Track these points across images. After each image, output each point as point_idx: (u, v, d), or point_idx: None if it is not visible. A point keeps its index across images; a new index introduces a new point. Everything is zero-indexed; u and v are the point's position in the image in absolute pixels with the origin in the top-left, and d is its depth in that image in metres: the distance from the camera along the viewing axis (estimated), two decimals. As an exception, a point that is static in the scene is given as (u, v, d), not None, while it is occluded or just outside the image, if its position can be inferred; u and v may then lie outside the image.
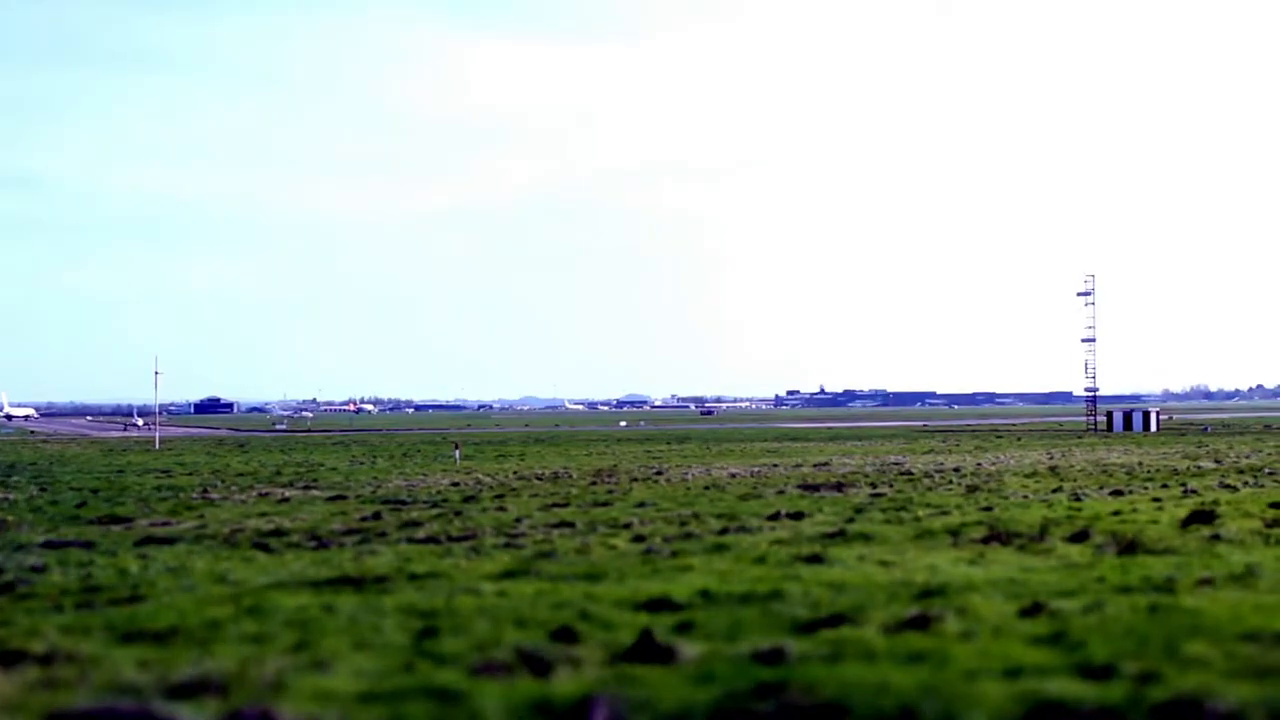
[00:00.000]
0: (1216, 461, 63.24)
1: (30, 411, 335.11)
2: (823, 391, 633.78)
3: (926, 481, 49.33)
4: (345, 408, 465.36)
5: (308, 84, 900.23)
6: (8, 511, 39.09)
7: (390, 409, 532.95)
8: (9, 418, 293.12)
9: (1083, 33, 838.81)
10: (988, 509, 35.44)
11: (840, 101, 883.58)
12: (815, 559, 24.32)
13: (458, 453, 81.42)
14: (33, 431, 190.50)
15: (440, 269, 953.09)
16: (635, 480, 52.93)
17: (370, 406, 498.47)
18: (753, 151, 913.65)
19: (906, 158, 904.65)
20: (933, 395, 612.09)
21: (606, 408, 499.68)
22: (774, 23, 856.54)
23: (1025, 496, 40.53)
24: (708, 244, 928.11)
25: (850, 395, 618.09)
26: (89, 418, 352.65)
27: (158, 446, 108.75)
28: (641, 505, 38.65)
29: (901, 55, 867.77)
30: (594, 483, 51.43)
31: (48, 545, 28.85)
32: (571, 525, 32.03)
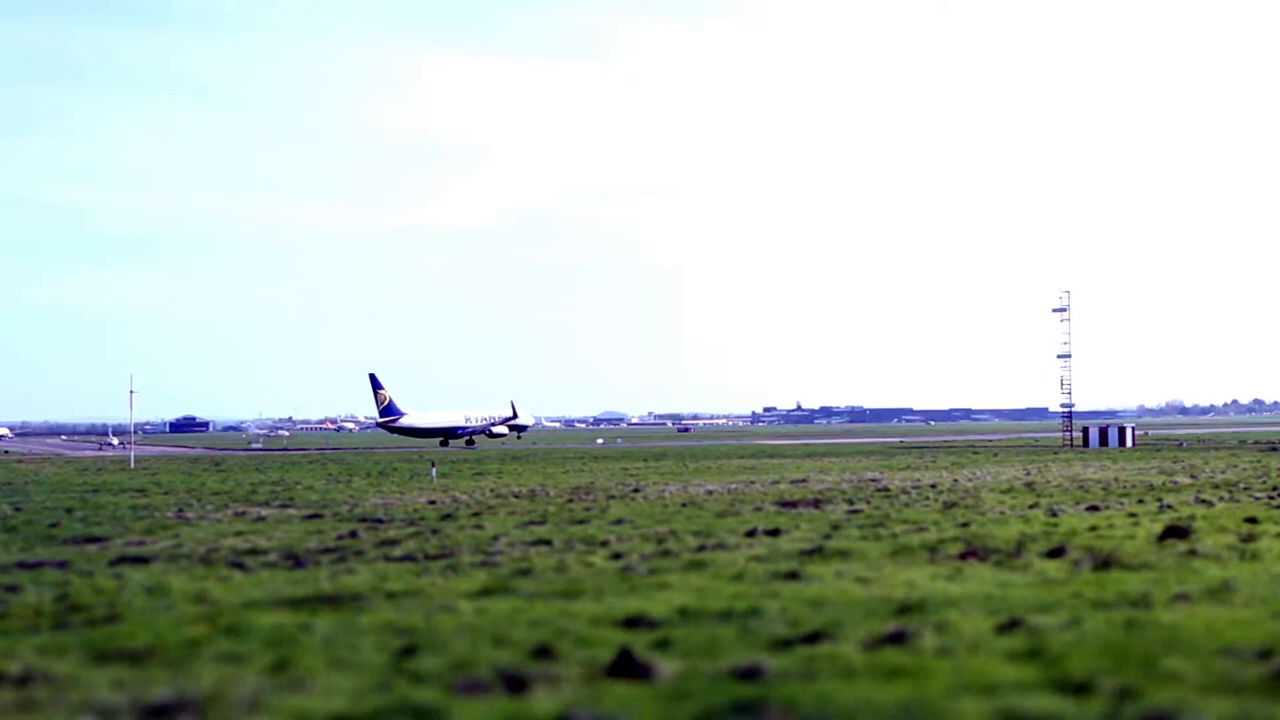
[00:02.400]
0: (1192, 477, 63.42)
1: (4, 431, 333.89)
2: (799, 408, 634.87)
3: (904, 498, 49.38)
4: (322, 426, 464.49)
5: (281, 103, 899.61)
6: (-18, 531, 38.89)
7: (367, 428, 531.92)
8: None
9: (1056, 51, 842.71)
10: (965, 525, 35.49)
11: (817, 118, 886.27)
12: (793, 576, 24.33)
13: (434, 471, 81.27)
14: (6, 451, 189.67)
15: (415, 287, 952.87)
16: (612, 498, 52.88)
17: (351, 425, 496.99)
18: (730, 169, 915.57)
19: (882, 174, 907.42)
20: (909, 412, 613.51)
21: (583, 425, 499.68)
22: (744, 35, 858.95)
23: (1002, 512, 40.60)
24: (684, 261, 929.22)
25: (827, 412, 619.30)
26: (64, 437, 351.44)
27: (133, 465, 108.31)
28: (619, 523, 38.61)
29: (875, 75, 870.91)
30: (571, 500, 51.37)
31: (22, 565, 28.71)
32: (549, 543, 31.99)
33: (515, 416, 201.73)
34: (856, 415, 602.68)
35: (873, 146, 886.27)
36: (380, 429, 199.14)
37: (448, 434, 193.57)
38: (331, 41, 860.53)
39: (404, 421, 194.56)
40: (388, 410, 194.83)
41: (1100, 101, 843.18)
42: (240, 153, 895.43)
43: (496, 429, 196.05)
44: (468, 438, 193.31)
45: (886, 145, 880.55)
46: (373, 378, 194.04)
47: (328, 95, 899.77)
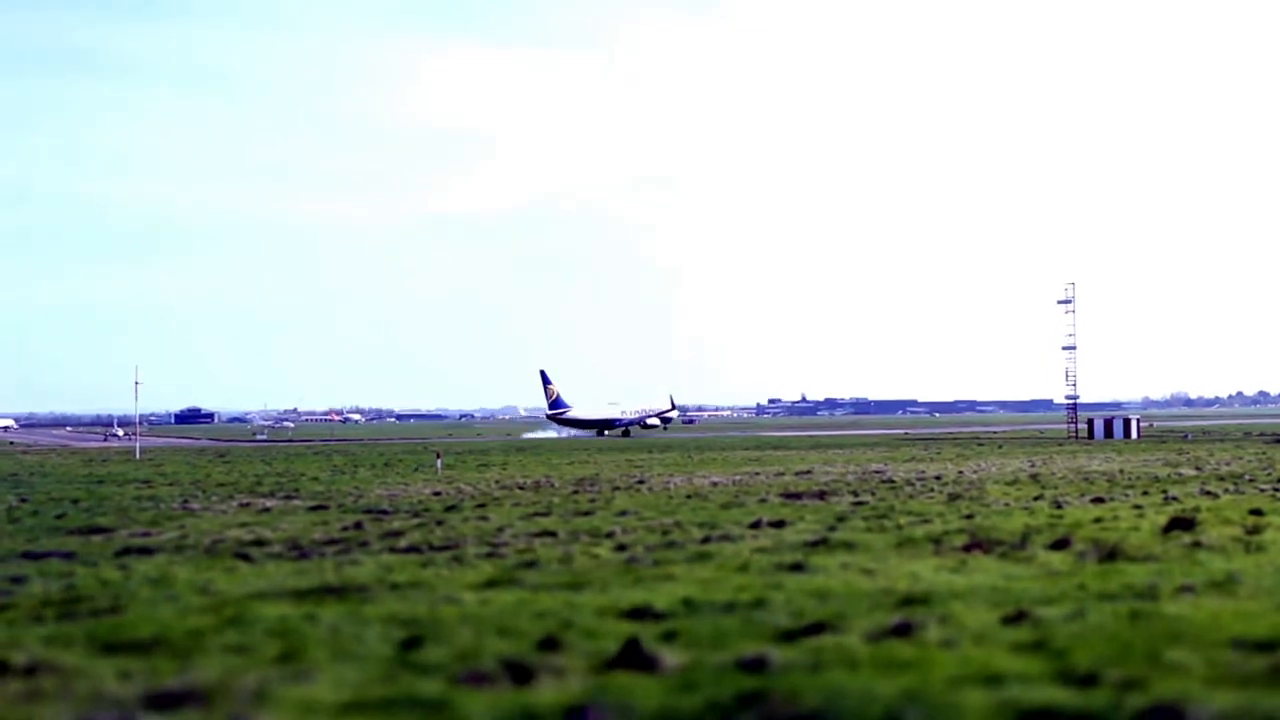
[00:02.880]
0: (1197, 469, 63.37)
1: (10, 422, 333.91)
2: (804, 400, 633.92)
3: (908, 489, 49.38)
4: (327, 418, 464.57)
5: (288, 95, 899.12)
6: (-12, 522, 38.94)
7: (372, 419, 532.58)
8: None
9: (1061, 42, 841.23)
10: (969, 517, 35.48)
11: (821, 111, 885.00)
12: (798, 567, 24.33)
13: (439, 462, 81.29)
14: (12, 442, 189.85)
15: (422, 279, 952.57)
16: (617, 489, 52.91)
17: (357, 416, 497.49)
18: (736, 160, 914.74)
19: (887, 166, 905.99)
20: (914, 403, 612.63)
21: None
22: (749, 27, 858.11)
23: (1007, 504, 40.58)
24: (690, 253, 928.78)
25: (832, 403, 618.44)
26: (69, 428, 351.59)
27: (138, 457, 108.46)
28: (624, 514, 38.62)
29: (879, 67, 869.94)
30: (576, 492, 51.39)
31: (28, 556, 28.77)
32: (554, 534, 32.00)
33: (669, 410, 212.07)
34: (861, 407, 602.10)
35: (878, 139, 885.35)
36: (549, 420, 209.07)
37: (606, 425, 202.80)
38: (339, 33, 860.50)
39: (570, 414, 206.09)
40: (556, 404, 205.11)
41: (1106, 94, 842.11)
42: (248, 144, 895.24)
43: (650, 421, 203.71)
44: (624, 429, 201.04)
45: (892, 137, 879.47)
46: (543, 374, 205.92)
47: (335, 87, 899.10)
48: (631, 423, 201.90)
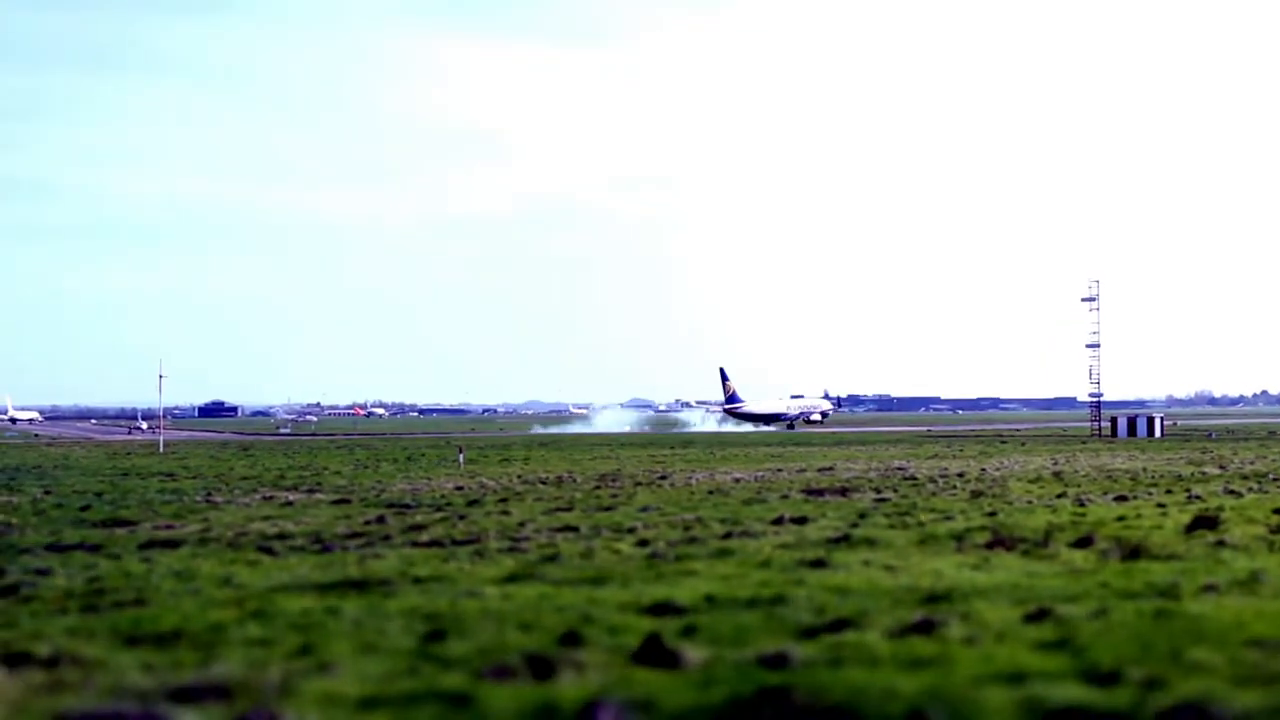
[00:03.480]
0: (1221, 467, 63.16)
1: (35, 415, 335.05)
2: (826, 396, 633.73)
3: (931, 486, 49.31)
4: (350, 412, 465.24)
5: (304, 90, 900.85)
6: (12, 514, 39.13)
7: (395, 413, 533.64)
8: (13, 421, 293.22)
9: (1086, 33, 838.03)
10: (992, 514, 35.42)
11: (843, 105, 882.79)
12: (819, 564, 24.31)
13: (462, 456, 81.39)
14: (37, 435, 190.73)
15: (445, 273, 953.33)
16: (639, 484, 52.92)
17: (381, 410, 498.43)
18: (754, 156, 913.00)
19: (911, 161, 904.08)
20: (937, 400, 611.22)
21: (609, 411, 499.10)
22: (765, 19, 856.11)
23: (1029, 502, 40.50)
24: (710, 250, 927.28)
25: (854, 400, 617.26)
26: (93, 421, 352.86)
27: (162, 450, 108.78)
28: (645, 509, 38.63)
29: (903, 56, 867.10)
30: (598, 487, 51.42)
31: (52, 548, 28.87)
32: (575, 529, 32.03)
33: (828, 406, 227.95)
34: (884, 404, 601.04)
35: (902, 134, 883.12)
36: (725, 414, 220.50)
37: (774, 419, 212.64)
38: (352, 28, 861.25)
39: (743, 409, 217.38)
40: (731, 399, 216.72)
41: (1133, 90, 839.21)
42: (266, 140, 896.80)
43: (814, 416, 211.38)
44: (789, 423, 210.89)
45: (915, 133, 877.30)
46: (722, 371, 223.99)
47: (356, 85, 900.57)
48: (796, 417, 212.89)
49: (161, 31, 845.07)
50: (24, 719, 12.38)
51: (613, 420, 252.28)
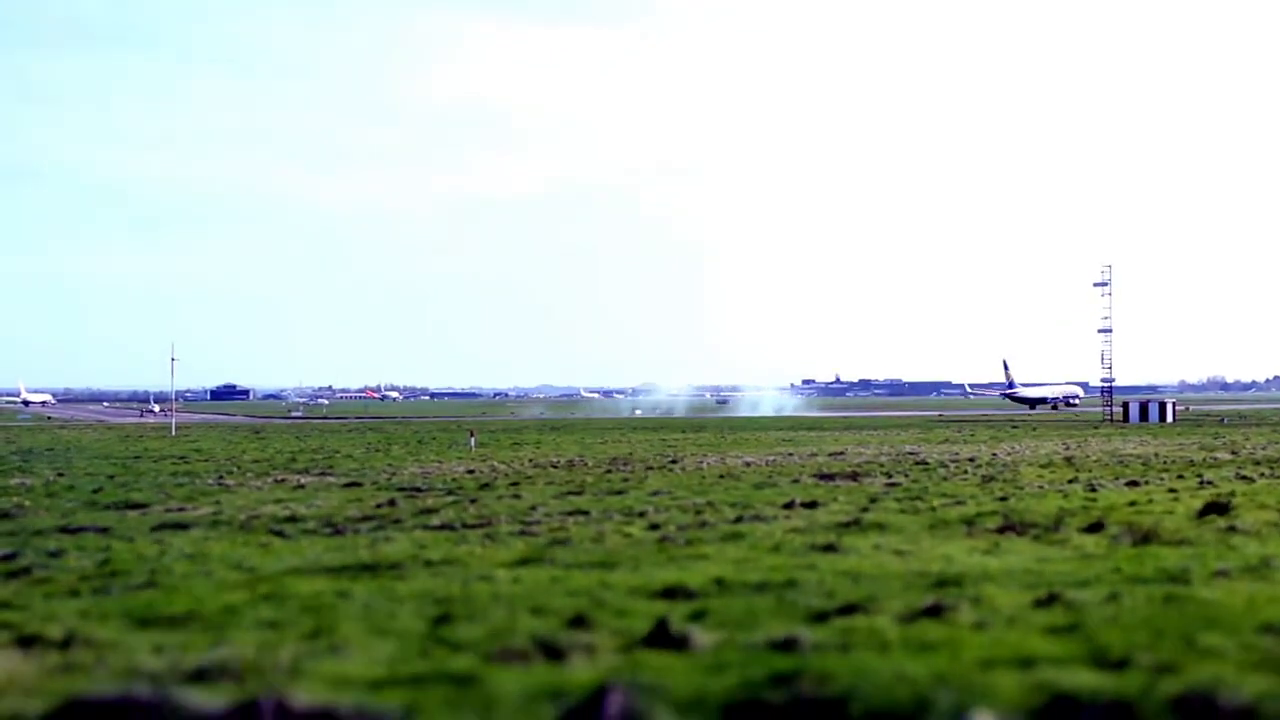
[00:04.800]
0: (1233, 453, 63.09)
1: (47, 398, 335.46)
2: (838, 381, 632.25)
3: (942, 471, 49.30)
4: (362, 395, 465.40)
5: (322, 72, 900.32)
6: (25, 497, 39.22)
7: (408, 397, 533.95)
8: (26, 404, 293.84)
9: (1097, 18, 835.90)
10: (1003, 499, 35.41)
11: (859, 89, 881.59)
12: (830, 548, 24.32)
13: (473, 440, 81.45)
14: (49, 417, 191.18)
15: (456, 257, 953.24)
16: (650, 469, 52.97)
17: (395, 394, 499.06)
18: (772, 141, 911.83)
19: (924, 147, 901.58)
20: (948, 385, 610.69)
21: (622, 396, 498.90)
22: (785, 4, 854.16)
23: (1041, 487, 40.48)
24: (721, 234, 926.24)
25: (865, 384, 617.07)
26: (106, 404, 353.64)
27: (174, 433, 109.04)
28: (656, 494, 38.66)
29: (916, 43, 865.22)
30: (609, 471, 51.46)
31: (64, 530, 28.95)
32: (586, 513, 32.06)
33: (1078, 390, 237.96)
34: (895, 388, 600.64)
35: (916, 120, 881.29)
36: (1005, 397, 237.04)
37: (1039, 402, 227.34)
38: (373, 9, 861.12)
39: (1019, 393, 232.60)
40: (1010, 384, 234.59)
41: (1147, 75, 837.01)
42: (281, 123, 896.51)
43: (1074, 400, 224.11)
44: (1053, 404, 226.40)
45: (930, 119, 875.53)
46: (1004, 362, 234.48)
47: (366, 67, 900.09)
48: (1059, 400, 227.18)
49: (176, 13, 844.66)
50: (37, 701, 12.42)
51: (772, 403, 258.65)
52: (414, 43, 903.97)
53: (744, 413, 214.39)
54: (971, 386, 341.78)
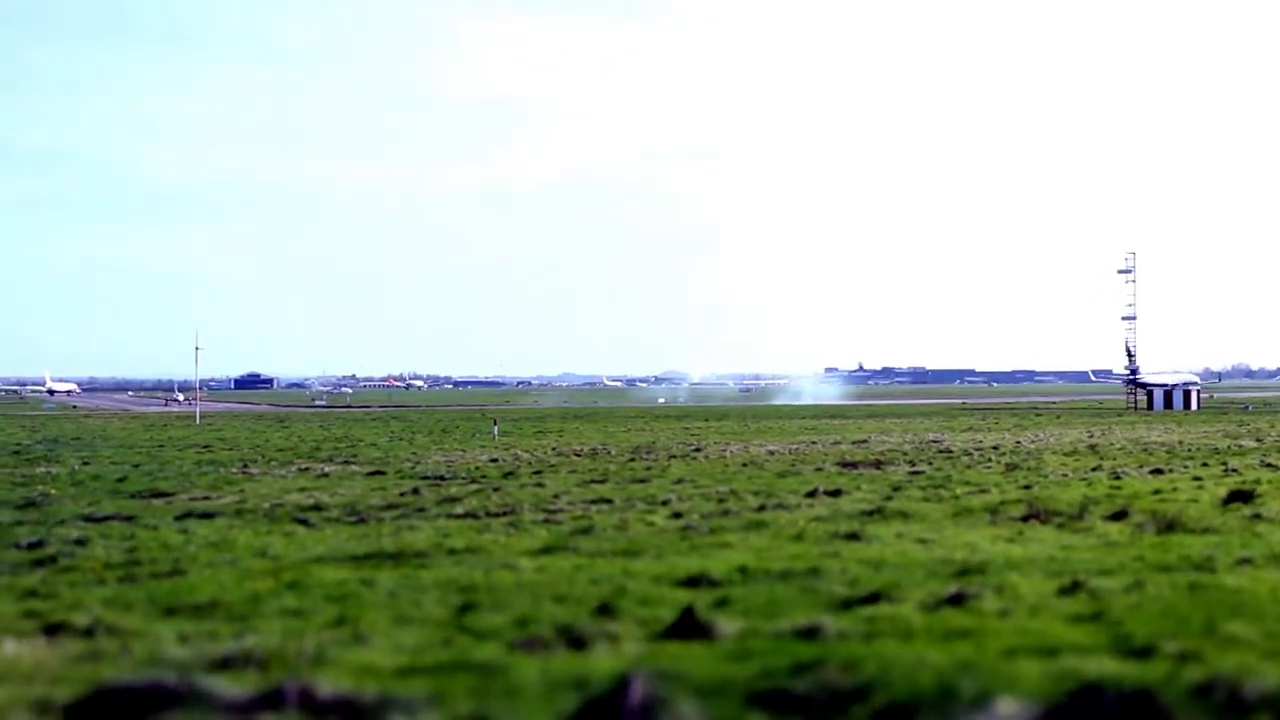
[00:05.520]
0: (1258, 440, 62.88)
1: (72, 387, 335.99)
2: (861, 369, 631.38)
3: (965, 459, 49.23)
4: (385, 383, 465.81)
5: (346, 63, 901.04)
6: (50, 485, 39.39)
7: (431, 385, 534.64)
8: (51, 393, 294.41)
9: (1116, 6, 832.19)
10: (1027, 487, 35.35)
11: (878, 72, 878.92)
12: (853, 536, 24.31)
13: (496, 429, 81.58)
14: (75, 406, 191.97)
15: (478, 246, 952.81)
16: (673, 457, 52.99)
17: (420, 382, 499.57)
18: (791, 126, 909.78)
19: (947, 132, 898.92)
20: (972, 373, 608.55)
21: (645, 384, 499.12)
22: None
23: (1065, 475, 40.40)
24: (744, 221, 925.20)
25: (889, 372, 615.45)
26: (130, 393, 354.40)
27: (198, 421, 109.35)
28: (679, 482, 38.68)
29: (937, 25, 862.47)
30: (632, 459, 51.49)
31: (90, 519, 29.07)
32: (610, 502, 32.09)
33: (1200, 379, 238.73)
34: (919, 376, 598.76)
35: (938, 104, 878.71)
36: (1128, 383, 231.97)
37: (1158, 388, 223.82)
38: (391, 2, 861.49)
39: (1140, 379, 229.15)
40: (1134, 371, 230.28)
41: (1169, 60, 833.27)
42: (304, 113, 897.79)
43: (1191, 388, 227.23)
44: (1167, 393, 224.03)
45: (951, 103, 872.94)
46: (1128, 347, 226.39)
47: (385, 56, 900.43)
48: (1171, 388, 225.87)
49: (199, 3, 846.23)
50: (64, 688, 12.48)
51: (812, 391, 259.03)
52: (433, 35, 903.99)
53: (786, 401, 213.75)
54: (1095, 373, 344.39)
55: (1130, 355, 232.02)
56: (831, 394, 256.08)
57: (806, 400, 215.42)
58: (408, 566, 21.03)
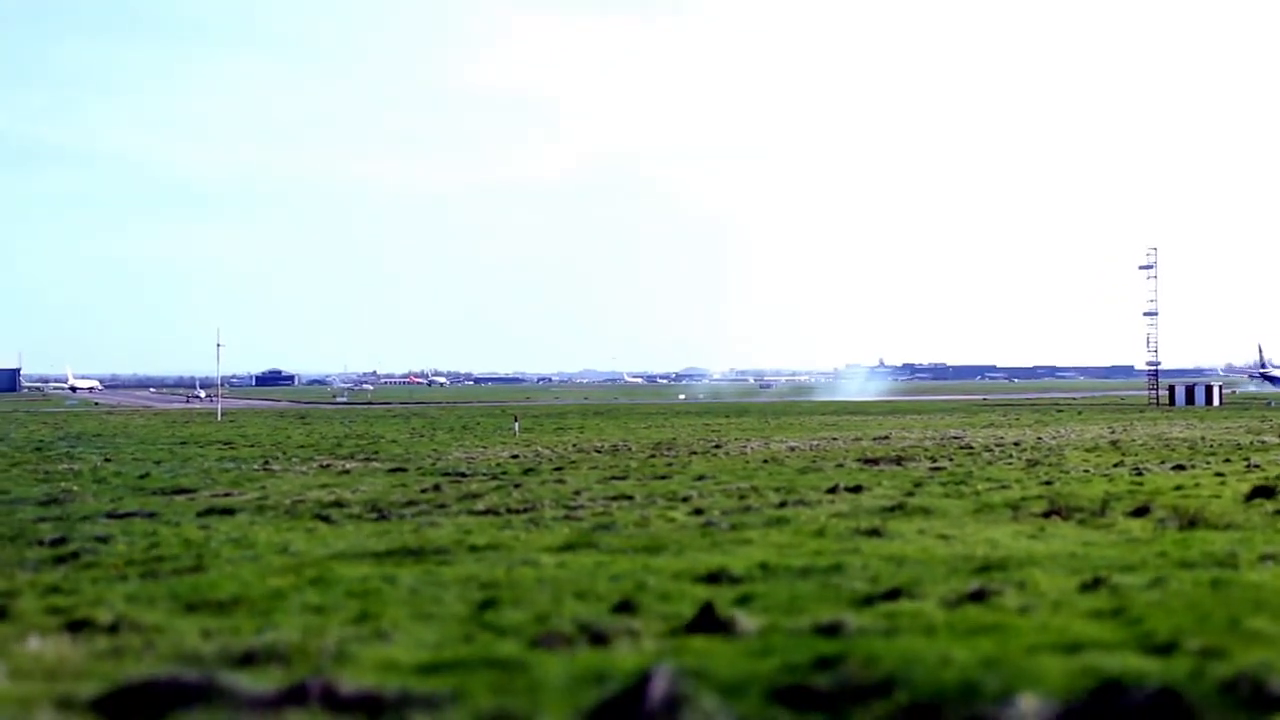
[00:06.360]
0: (1280, 436, 62.68)
1: (94, 384, 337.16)
2: (882, 365, 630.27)
3: (986, 455, 49.15)
4: (406, 380, 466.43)
5: (366, 59, 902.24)
6: (72, 482, 39.50)
7: (453, 381, 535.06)
8: (74, 390, 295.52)
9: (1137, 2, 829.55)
10: (1048, 483, 35.28)
11: (899, 71, 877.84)
12: (874, 533, 24.28)
13: (517, 425, 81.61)
14: (97, 403, 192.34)
15: (499, 241, 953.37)
16: (694, 453, 52.98)
17: (442, 379, 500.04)
18: (812, 123, 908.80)
19: (967, 128, 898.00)
20: (993, 369, 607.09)
21: (665, 380, 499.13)
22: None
23: (1086, 471, 40.32)
24: (765, 216, 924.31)
25: (910, 369, 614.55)
26: (152, 390, 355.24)
27: (220, 418, 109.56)
28: (700, 478, 38.67)
29: (954, 27, 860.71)
30: (653, 456, 51.49)
31: (112, 515, 29.15)
32: (630, 498, 32.10)
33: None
34: (939, 372, 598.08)
35: (959, 100, 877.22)
36: (1261, 377, 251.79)
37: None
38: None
39: (1269, 372, 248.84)
40: (1264, 365, 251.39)
41: (1190, 55, 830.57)
42: (324, 107, 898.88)
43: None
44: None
45: (973, 99, 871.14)
46: (1259, 346, 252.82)
47: (406, 52, 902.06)
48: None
49: (214, 1, 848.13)
50: (88, 684, 12.52)
51: (855, 386, 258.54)
52: (454, 30, 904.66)
53: (826, 396, 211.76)
54: (1224, 370, 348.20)
55: (1260, 351, 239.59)
56: (881, 389, 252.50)
57: (850, 396, 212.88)
58: (429, 563, 21.06)
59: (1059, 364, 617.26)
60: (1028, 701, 11.43)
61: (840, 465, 43.96)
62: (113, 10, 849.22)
